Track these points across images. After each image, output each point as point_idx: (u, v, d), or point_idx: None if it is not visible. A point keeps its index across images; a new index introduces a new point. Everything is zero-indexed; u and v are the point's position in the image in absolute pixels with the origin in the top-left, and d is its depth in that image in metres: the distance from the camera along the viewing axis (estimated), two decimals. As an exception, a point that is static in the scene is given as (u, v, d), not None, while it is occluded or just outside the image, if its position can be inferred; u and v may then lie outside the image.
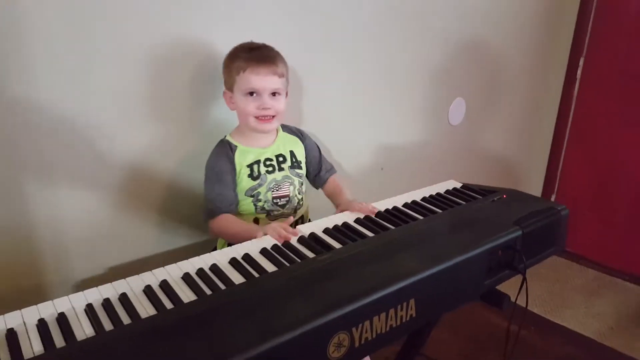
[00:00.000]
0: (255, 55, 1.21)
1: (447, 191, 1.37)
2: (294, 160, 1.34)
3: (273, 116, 1.25)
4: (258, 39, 1.28)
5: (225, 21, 1.32)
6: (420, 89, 1.94)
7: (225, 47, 1.27)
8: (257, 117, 1.23)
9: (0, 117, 1.05)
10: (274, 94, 1.24)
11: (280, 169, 1.31)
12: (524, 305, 1.14)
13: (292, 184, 1.33)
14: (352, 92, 1.71)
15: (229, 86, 1.25)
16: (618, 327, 2.13)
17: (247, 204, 1.29)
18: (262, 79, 1.20)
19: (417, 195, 1.33)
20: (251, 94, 1.22)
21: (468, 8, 1.96)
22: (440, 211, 1.23)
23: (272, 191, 1.29)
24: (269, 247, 1.04)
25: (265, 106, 1.22)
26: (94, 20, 1.12)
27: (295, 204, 1.34)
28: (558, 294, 2.36)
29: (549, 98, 2.62)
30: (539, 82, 2.51)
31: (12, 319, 0.80)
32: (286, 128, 1.39)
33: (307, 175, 1.41)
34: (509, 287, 1.12)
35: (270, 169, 1.30)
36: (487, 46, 2.12)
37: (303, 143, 1.39)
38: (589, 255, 2.64)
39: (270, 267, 0.96)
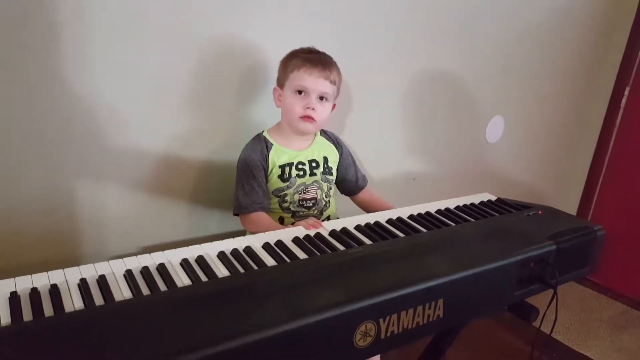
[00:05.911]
0: (313, 57, 1.24)
1: (482, 203, 1.36)
2: (326, 166, 1.35)
3: (315, 120, 1.25)
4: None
5: (279, 31, 1.37)
6: (459, 103, 1.94)
7: (275, 54, 1.31)
8: (301, 117, 1.25)
9: (60, 100, 1.11)
10: (321, 98, 1.26)
11: (312, 174, 1.33)
12: (552, 322, 1.12)
13: (320, 188, 1.34)
14: (389, 102, 1.73)
15: (281, 83, 1.28)
16: (644, 364, 2.06)
17: (273, 203, 1.31)
18: (314, 80, 1.22)
19: (450, 203, 1.33)
20: (300, 92, 1.24)
21: (517, 26, 1.96)
22: (473, 220, 1.22)
23: (300, 194, 1.31)
24: (301, 237, 1.06)
25: (311, 105, 1.24)
26: (153, 9, 1.17)
27: (322, 206, 1.35)
28: (584, 324, 2.29)
29: (590, 125, 2.58)
30: (581, 107, 2.47)
31: (56, 277, 0.83)
32: (324, 134, 1.41)
33: (339, 182, 1.43)
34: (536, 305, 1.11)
35: (301, 173, 1.31)
36: (532, 66, 2.11)
37: (339, 151, 1.40)
38: (619, 288, 2.56)
39: (302, 255, 0.98)
